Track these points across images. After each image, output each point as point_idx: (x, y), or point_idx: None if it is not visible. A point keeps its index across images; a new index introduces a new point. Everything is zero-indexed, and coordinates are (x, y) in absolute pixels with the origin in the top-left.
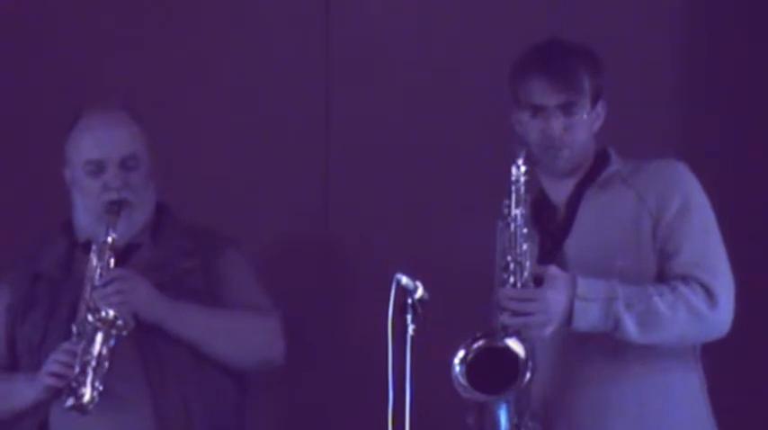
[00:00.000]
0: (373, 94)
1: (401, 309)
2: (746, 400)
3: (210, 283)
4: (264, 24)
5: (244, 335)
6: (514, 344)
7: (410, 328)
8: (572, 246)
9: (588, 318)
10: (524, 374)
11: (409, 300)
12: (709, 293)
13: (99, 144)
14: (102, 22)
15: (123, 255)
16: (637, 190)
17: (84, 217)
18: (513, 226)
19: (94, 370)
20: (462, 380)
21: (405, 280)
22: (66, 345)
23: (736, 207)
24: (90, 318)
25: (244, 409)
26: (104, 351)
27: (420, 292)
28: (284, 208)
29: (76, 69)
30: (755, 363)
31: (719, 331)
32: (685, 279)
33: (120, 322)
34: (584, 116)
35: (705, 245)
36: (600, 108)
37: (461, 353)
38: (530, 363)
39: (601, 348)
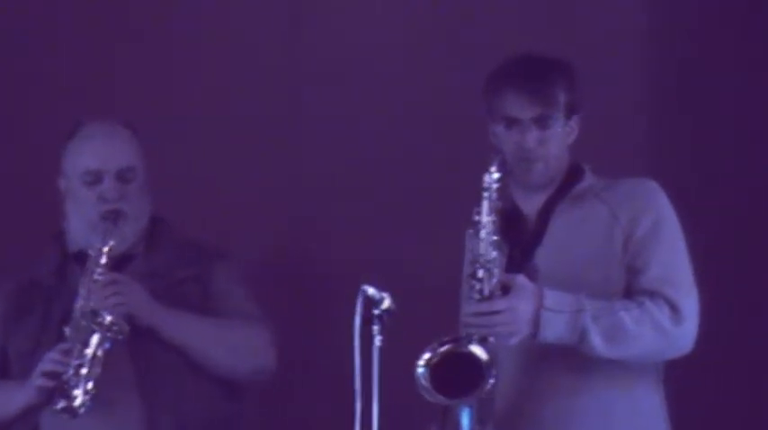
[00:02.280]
0: (343, 105)
1: (368, 321)
2: (708, 420)
3: (204, 294)
4: (238, 42)
5: (235, 343)
6: (478, 350)
7: (377, 339)
8: (542, 258)
9: (554, 329)
10: (487, 380)
11: (376, 311)
12: (675, 310)
13: (97, 154)
14: (80, 30)
15: (118, 264)
16: (609, 206)
17: (78, 227)
18: (483, 233)
19: (87, 372)
20: (425, 383)
21: (371, 291)
22: (60, 345)
23: (703, 221)
24: (84, 321)
25: (236, 420)
26: (99, 353)
27: (387, 303)
28: (253, 221)
29: (62, 80)
30: (717, 384)
31: (683, 347)
32: (652, 295)
33: (116, 326)
34: (559, 129)
35: (673, 262)
36: (574, 122)
37: (426, 356)
38: (492, 370)
39: (566, 361)
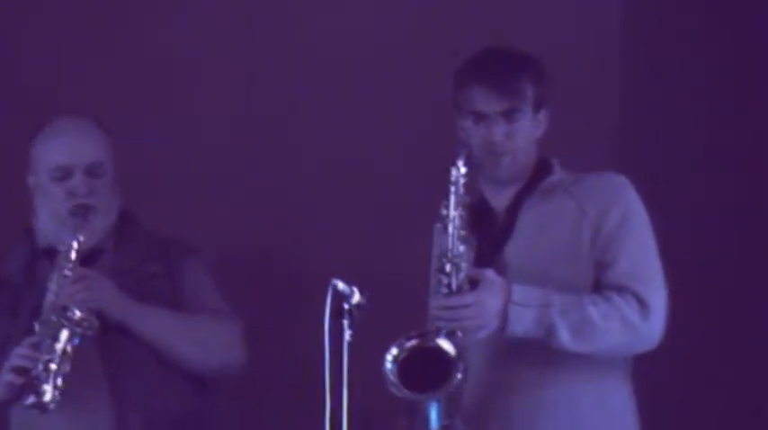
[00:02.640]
0: (323, 105)
1: (338, 315)
2: (677, 413)
3: (173, 289)
4: (199, 40)
5: (205, 338)
6: (446, 345)
7: (347, 333)
8: (511, 253)
9: (522, 323)
10: (455, 374)
11: (346, 306)
12: (643, 305)
13: (67, 150)
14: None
15: (87, 259)
16: (578, 200)
17: (48, 222)
18: (450, 227)
19: (57, 368)
20: (393, 378)
21: (341, 285)
22: (29, 340)
23: (674, 217)
24: (54, 316)
25: (205, 415)
26: (68, 349)
27: (356, 298)
28: (229, 218)
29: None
30: (687, 378)
31: (651, 342)
32: (620, 289)
33: (85, 322)
34: (527, 123)
35: (641, 257)
36: (542, 115)
37: (394, 352)
38: (460, 364)
39: (535, 355)
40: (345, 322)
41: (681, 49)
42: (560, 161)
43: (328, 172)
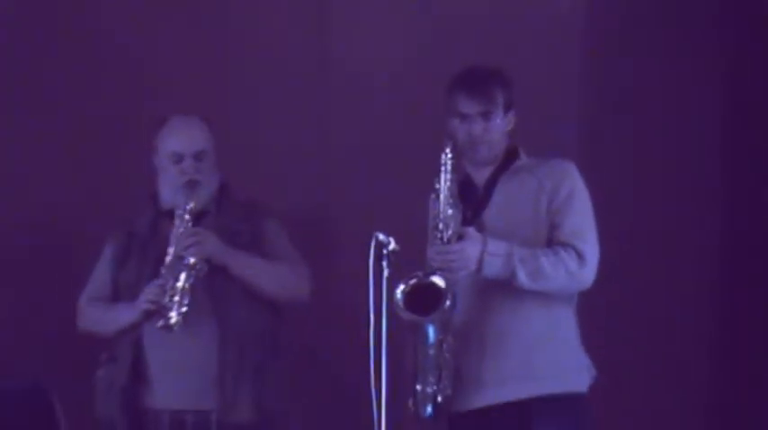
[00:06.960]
0: (360, 92)
1: (379, 258)
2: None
3: (257, 241)
4: (268, 33)
5: (282, 276)
6: (438, 281)
7: (385, 272)
8: (488, 217)
9: (493, 268)
10: (445, 301)
11: (385, 251)
12: (581, 257)
13: (180, 141)
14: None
15: (196, 219)
16: (538, 178)
17: (167, 191)
18: (442, 196)
19: (179, 300)
20: (401, 305)
21: (381, 236)
22: (158, 281)
23: (629, 205)
24: (175, 262)
25: (278, 330)
26: (186, 286)
27: (393, 245)
28: (287, 185)
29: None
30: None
31: (584, 285)
32: (565, 245)
33: (198, 265)
34: (498, 121)
35: (581, 221)
36: (511, 115)
37: (402, 287)
38: (448, 295)
39: (504, 290)
40: (384, 263)
41: (638, 53)
42: (525, 149)
43: (369, 143)
